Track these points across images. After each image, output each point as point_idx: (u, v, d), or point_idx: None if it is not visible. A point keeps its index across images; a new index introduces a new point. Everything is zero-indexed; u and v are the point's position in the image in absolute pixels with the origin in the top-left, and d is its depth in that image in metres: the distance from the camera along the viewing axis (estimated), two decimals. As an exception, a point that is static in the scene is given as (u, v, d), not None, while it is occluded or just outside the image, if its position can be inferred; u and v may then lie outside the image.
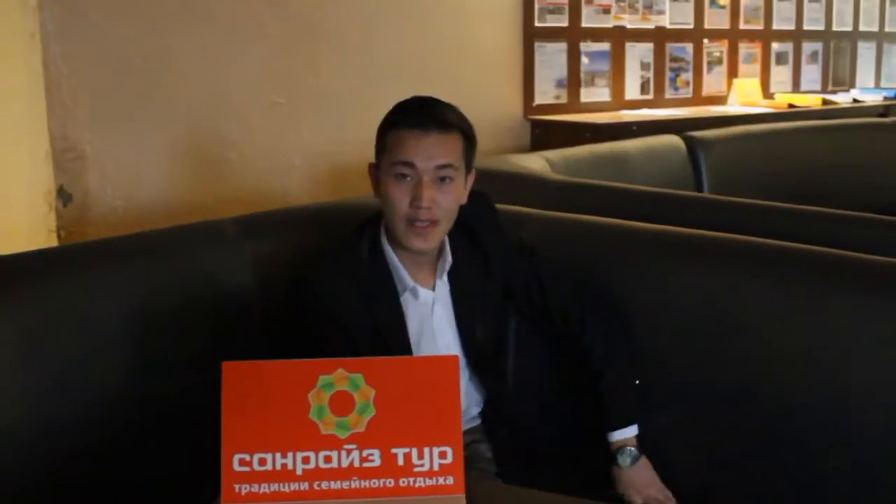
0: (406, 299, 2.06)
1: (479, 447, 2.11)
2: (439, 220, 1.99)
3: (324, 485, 1.47)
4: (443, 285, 2.10)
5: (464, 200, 2.06)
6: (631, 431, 2.10)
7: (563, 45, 5.48)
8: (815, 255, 2.14)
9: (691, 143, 4.45)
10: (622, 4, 5.75)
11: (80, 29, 3.72)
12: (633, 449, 2.09)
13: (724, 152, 4.52)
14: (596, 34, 5.65)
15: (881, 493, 1.96)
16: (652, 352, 2.23)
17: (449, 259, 2.08)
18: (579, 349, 2.16)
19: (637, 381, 2.14)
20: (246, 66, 4.22)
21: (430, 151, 1.96)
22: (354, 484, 1.47)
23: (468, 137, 2.03)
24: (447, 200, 1.99)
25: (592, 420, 2.15)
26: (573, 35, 5.53)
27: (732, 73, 6.43)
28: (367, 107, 4.40)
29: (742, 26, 6.47)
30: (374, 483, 1.47)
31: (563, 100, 5.51)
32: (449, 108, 2.03)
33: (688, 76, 6.16)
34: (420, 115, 1.98)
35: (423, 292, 2.07)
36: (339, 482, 1.47)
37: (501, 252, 2.17)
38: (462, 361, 2.07)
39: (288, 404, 1.49)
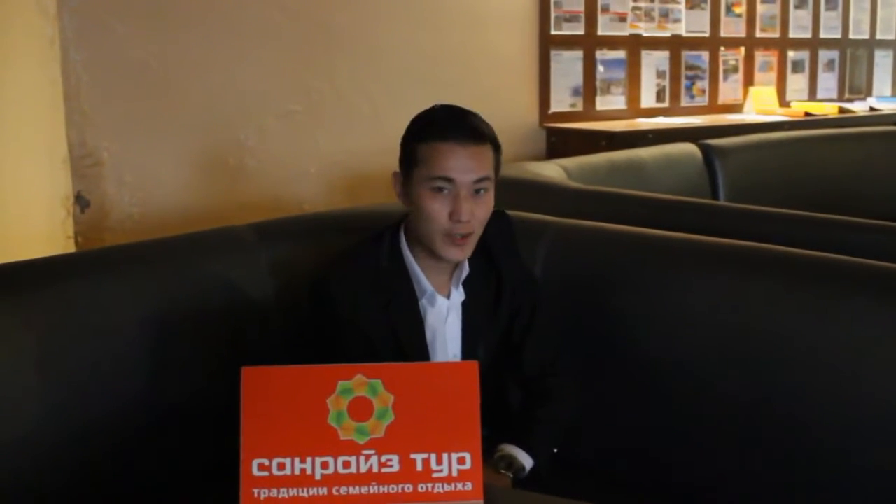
0: (423, 305, 2.06)
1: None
2: (475, 231, 1.99)
3: (342, 490, 1.47)
4: (458, 295, 2.09)
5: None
6: (527, 460, 2.01)
7: (578, 53, 5.49)
8: (832, 263, 2.13)
9: (707, 151, 4.45)
10: (638, 13, 5.76)
11: (99, 36, 3.74)
12: (520, 469, 2.00)
13: (740, 160, 4.51)
14: (612, 42, 5.65)
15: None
16: (668, 358, 2.23)
17: (466, 268, 2.08)
18: (531, 381, 2.16)
19: (555, 450, 2.07)
20: (263, 74, 4.24)
21: (467, 165, 1.94)
22: (373, 489, 1.47)
23: (496, 146, 2.02)
24: (483, 211, 1.98)
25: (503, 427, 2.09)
26: (589, 43, 5.54)
27: (748, 81, 6.43)
28: (383, 114, 4.48)
29: (758, 34, 6.47)
30: (393, 488, 1.47)
31: (579, 108, 5.51)
32: (478, 117, 2.01)
33: (704, 84, 6.16)
34: (454, 126, 1.96)
35: (440, 299, 2.07)
36: (357, 487, 1.47)
37: (515, 280, 2.16)
38: None
39: (307, 410, 1.49)
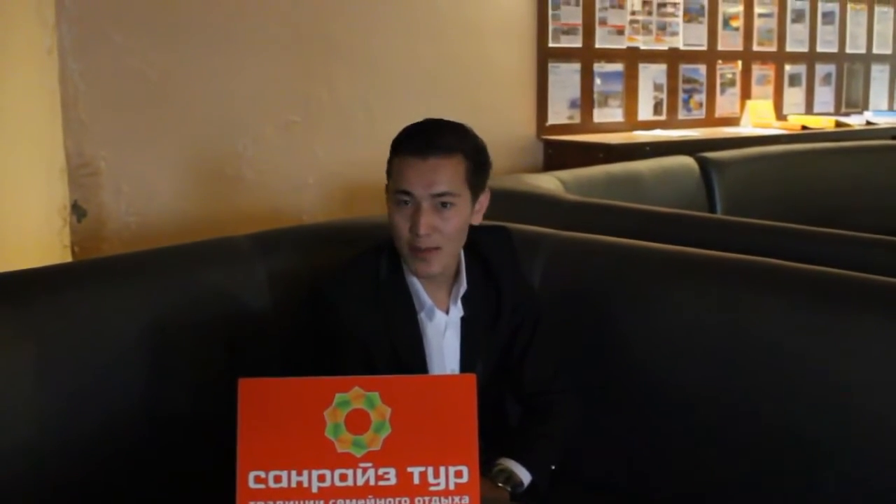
0: (421, 319, 2.05)
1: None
2: (440, 245, 1.96)
3: (339, 503, 1.47)
4: (456, 311, 2.07)
5: (475, 221, 2.03)
6: (525, 475, 2.00)
7: (576, 66, 5.50)
8: (829, 277, 2.13)
9: (704, 164, 4.46)
10: (636, 26, 5.77)
11: (97, 45, 3.74)
12: (518, 485, 1.99)
13: (737, 173, 4.52)
14: (609, 55, 5.66)
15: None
16: (665, 371, 2.23)
17: (464, 285, 2.07)
18: (531, 397, 2.16)
19: (553, 467, 2.06)
20: (261, 84, 4.24)
21: (427, 179, 1.92)
22: (370, 502, 1.47)
23: (474, 159, 1.98)
24: (448, 226, 1.95)
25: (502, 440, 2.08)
26: (587, 56, 5.55)
27: (745, 94, 6.43)
28: (381, 125, 4.46)
29: (755, 48, 6.48)
30: (390, 501, 1.47)
31: (577, 120, 5.52)
32: (454, 130, 1.98)
33: (701, 97, 6.17)
34: (420, 140, 1.94)
35: (438, 314, 2.05)
36: (354, 500, 1.47)
37: (515, 296, 2.14)
38: None
39: (304, 422, 1.49)
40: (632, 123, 5.78)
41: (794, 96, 6.77)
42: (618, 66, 5.71)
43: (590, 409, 2.23)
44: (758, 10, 6.48)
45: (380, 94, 4.61)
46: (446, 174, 1.93)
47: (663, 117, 5.95)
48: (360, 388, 1.51)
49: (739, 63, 6.41)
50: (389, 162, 1.99)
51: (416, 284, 2.03)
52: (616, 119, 5.71)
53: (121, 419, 2.08)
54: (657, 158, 4.55)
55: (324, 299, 2.01)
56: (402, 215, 1.95)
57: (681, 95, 6.05)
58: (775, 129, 6.10)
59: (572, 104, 5.49)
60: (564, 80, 5.44)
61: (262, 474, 1.47)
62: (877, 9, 7.25)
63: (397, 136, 2.00)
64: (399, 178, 1.94)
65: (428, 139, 1.94)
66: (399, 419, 1.50)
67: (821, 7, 6.86)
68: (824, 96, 6.97)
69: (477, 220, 2.04)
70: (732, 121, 6.34)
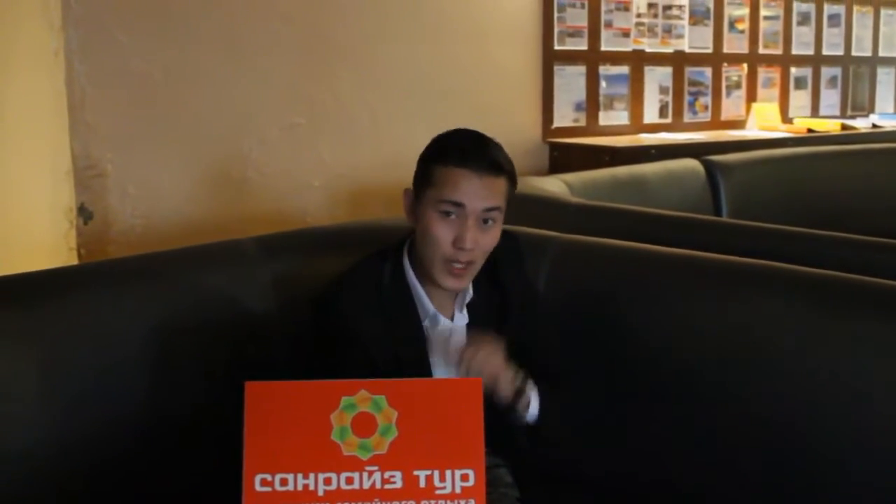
0: (426, 326, 2.05)
1: (499, 471, 2.10)
2: (476, 260, 1.98)
3: (345, 506, 1.47)
4: (461, 318, 2.07)
5: None
6: (535, 398, 1.95)
7: (582, 69, 5.50)
8: (835, 280, 2.13)
9: (710, 168, 4.46)
10: (641, 28, 5.77)
11: (103, 48, 3.75)
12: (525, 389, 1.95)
13: (742, 176, 4.52)
14: (615, 58, 5.66)
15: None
16: (671, 374, 2.23)
17: (470, 292, 2.07)
18: None
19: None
20: (267, 86, 4.24)
21: (480, 193, 1.93)
22: (376, 505, 1.47)
23: (513, 180, 2.01)
24: (487, 241, 1.97)
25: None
26: (592, 58, 5.55)
27: (751, 97, 6.44)
28: (386, 128, 4.48)
29: (761, 51, 6.48)
30: (396, 505, 1.47)
31: (582, 123, 5.52)
32: (497, 148, 2.00)
33: (706, 100, 6.17)
34: (473, 154, 1.94)
35: (443, 321, 2.05)
36: (360, 503, 1.47)
37: (521, 301, 2.14)
38: None
39: (310, 425, 1.50)
40: (637, 126, 5.78)
41: (799, 99, 6.77)
42: (623, 69, 5.71)
43: (595, 409, 2.23)
44: (763, 12, 6.48)
45: (384, 97, 4.61)
46: (496, 191, 1.96)
47: (669, 120, 5.95)
48: (366, 392, 1.51)
49: (745, 66, 6.41)
50: (428, 169, 1.98)
51: (420, 291, 2.03)
52: (621, 122, 5.72)
53: (126, 422, 2.08)
54: (663, 161, 4.55)
55: (327, 303, 2.01)
56: (447, 227, 1.94)
57: (686, 98, 6.05)
58: (781, 132, 6.09)
59: (578, 107, 5.50)
60: (570, 82, 5.44)
61: (269, 477, 1.47)
62: (883, 11, 7.26)
63: (442, 145, 2.00)
64: (450, 189, 1.93)
65: (482, 154, 1.95)
66: (405, 422, 1.50)
67: (826, 10, 6.87)
68: (830, 99, 6.97)
69: None
70: (738, 124, 6.34)
